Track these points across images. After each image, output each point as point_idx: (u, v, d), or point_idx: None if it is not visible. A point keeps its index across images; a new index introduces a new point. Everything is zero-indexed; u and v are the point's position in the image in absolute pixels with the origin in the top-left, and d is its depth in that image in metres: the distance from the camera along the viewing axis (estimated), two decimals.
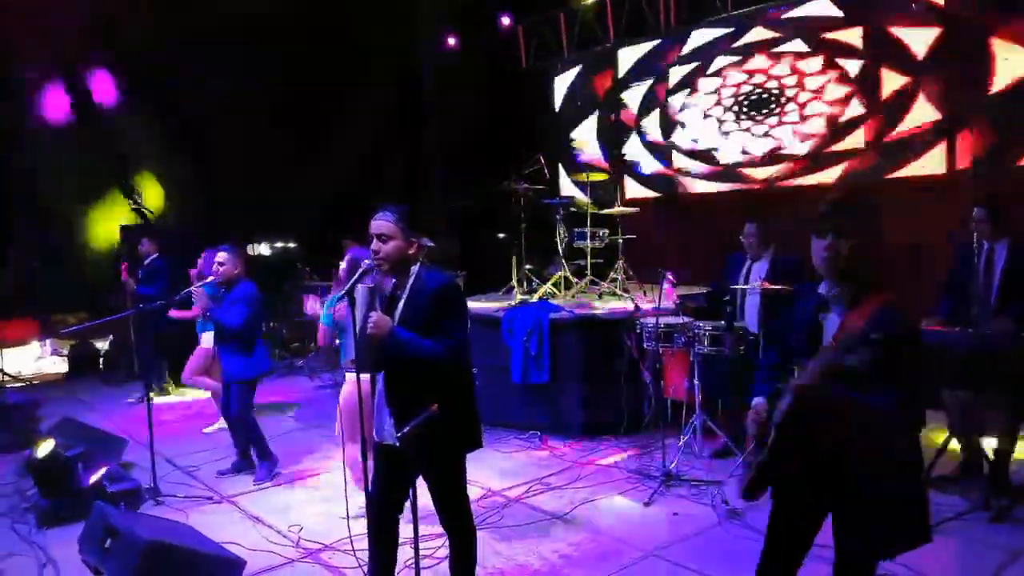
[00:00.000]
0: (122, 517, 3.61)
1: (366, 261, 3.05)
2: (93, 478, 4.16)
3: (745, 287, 5.15)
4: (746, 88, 8.51)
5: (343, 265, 4.47)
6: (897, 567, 3.55)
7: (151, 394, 5.68)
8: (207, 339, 6.39)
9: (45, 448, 4.61)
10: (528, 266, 7.31)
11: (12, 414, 6.19)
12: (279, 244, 12.83)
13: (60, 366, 10.46)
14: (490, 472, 5.18)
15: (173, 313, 6.40)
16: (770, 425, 2.33)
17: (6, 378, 8.43)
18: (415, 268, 3.07)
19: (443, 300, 3.02)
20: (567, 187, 10.40)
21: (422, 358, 2.94)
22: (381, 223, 3.04)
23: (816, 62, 7.81)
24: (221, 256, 5.21)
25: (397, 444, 2.95)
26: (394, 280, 3.11)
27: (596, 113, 10.32)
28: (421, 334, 2.96)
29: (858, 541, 2.33)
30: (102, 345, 10.36)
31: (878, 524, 2.30)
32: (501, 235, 10.80)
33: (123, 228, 9.91)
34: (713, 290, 5.62)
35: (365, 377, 3.11)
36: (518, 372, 6.05)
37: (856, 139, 7.51)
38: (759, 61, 8.37)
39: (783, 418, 2.26)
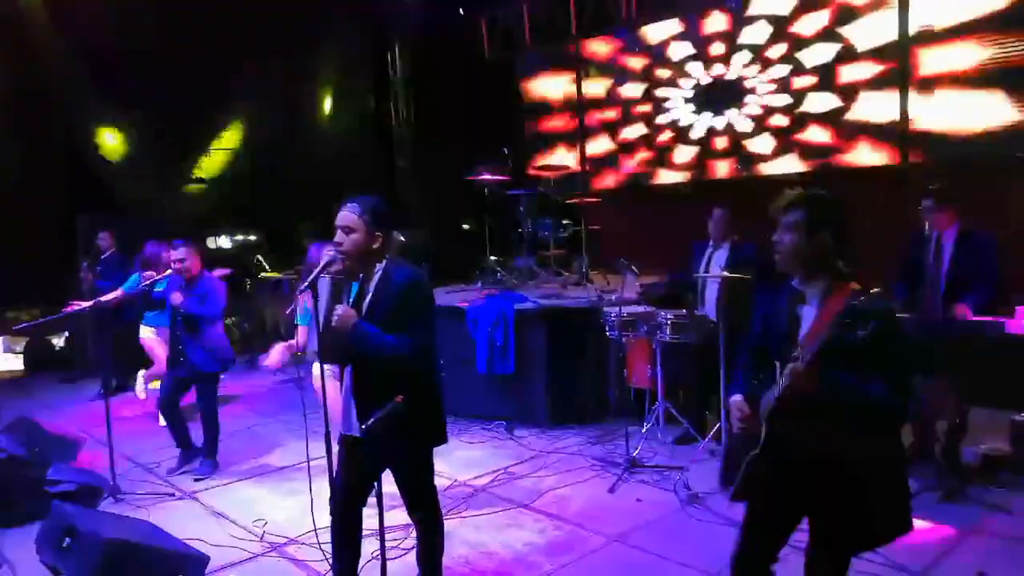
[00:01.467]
0: (81, 516, 3.55)
1: (330, 252, 3.03)
2: (53, 488, 4.07)
3: (706, 276, 5.22)
4: (707, 80, 8.61)
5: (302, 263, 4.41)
6: None
7: (108, 390, 5.59)
8: (146, 332, 6.41)
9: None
10: (492, 257, 7.32)
11: None
12: (239, 237, 12.66)
13: (14, 363, 10.19)
14: (456, 462, 5.19)
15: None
16: (758, 420, 2.35)
17: None
18: (382, 263, 3.05)
19: (408, 295, 3.00)
20: (531, 178, 10.41)
21: (384, 353, 2.93)
22: (345, 215, 3.01)
23: (776, 51, 7.92)
24: (180, 252, 5.13)
25: (361, 435, 2.94)
26: (362, 274, 3.09)
27: (559, 104, 10.34)
28: (386, 329, 2.94)
29: (843, 534, 2.34)
30: (58, 342, 10.12)
31: (865, 517, 2.31)
32: (466, 226, 10.81)
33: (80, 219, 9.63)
34: (673, 279, 5.70)
35: (328, 368, 3.10)
36: (483, 363, 6.07)
37: (816, 130, 7.66)
38: (719, 51, 8.46)
39: (776, 407, 2.28)
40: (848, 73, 7.34)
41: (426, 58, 11.22)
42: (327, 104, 11.68)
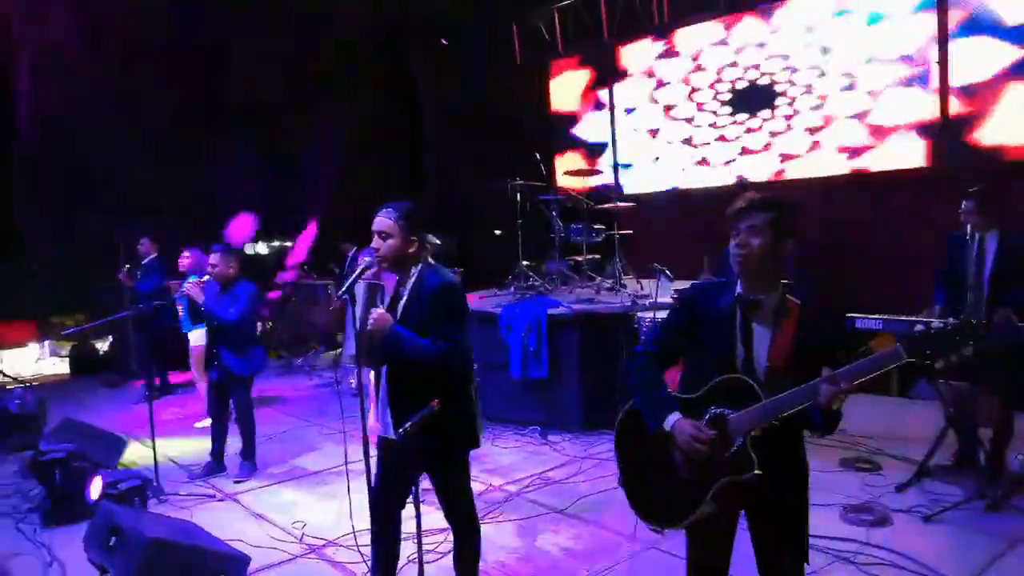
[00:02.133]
0: (127, 515, 3.63)
1: (366, 258, 3.08)
2: (95, 489, 4.18)
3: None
4: (741, 84, 8.54)
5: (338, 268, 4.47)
6: (896, 556, 3.61)
7: (152, 393, 5.72)
8: (196, 337, 6.48)
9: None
10: (525, 262, 7.33)
11: (14, 415, 6.20)
12: (276, 243, 12.87)
13: (60, 367, 10.48)
14: (490, 467, 5.20)
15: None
16: (730, 450, 2.22)
17: (6, 379, 8.45)
18: (417, 266, 3.09)
19: (442, 300, 3.03)
20: (563, 183, 10.41)
21: (418, 357, 2.97)
22: (381, 220, 3.06)
23: (810, 55, 7.84)
24: (213, 258, 5.25)
25: (397, 439, 2.98)
26: (397, 278, 3.13)
27: (591, 109, 10.34)
28: (421, 332, 2.98)
29: (789, 555, 2.34)
30: (101, 346, 10.38)
31: (799, 536, 2.34)
32: (497, 231, 10.82)
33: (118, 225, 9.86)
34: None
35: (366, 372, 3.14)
36: (517, 368, 6.09)
37: (850, 133, 7.55)
38: (752, 55, 8.39)
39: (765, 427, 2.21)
40: (882, 74, 7.23)
41: (456, 62, 11.28)
42: (357, 109, 11.78)
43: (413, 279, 3.09)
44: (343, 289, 3.09)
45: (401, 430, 2.89)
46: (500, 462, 5.36)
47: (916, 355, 2.07)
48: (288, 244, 12.84)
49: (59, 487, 4.44)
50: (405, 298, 3.09)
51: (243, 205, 9.74)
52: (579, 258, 7.34)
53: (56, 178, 9.90)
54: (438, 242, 3.58)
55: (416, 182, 11.76)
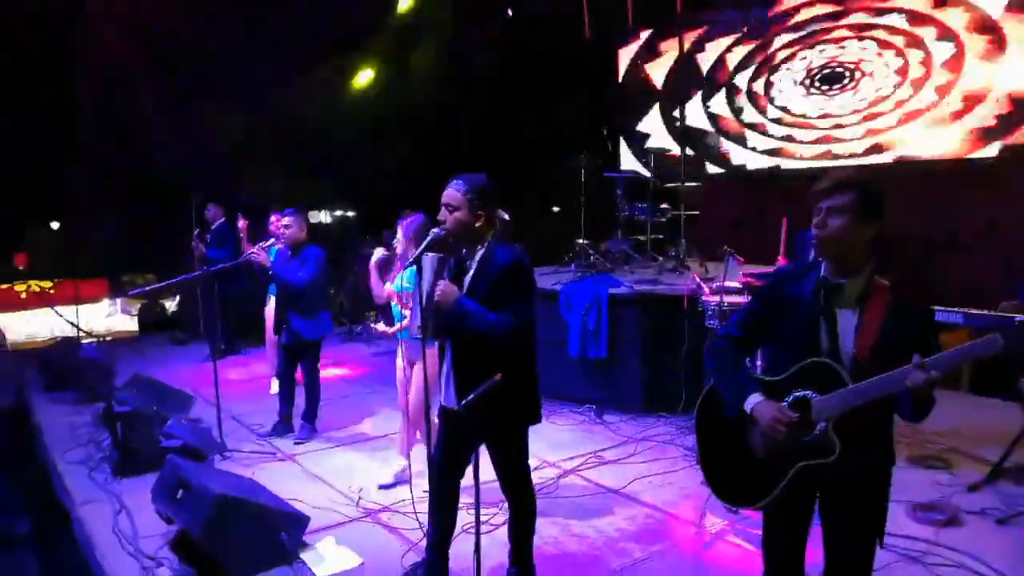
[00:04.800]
0: (194, 470, 3.74)
1: (434, 230, 3.06)
2: (168, 442, 4.32)
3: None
4: (817, 63, 8.21)
5: (399, 235, 4.41)
6: (966, 558, 3.47)
7: (217, 353, 5.88)
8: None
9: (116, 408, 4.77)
10: (583, 240, 7.23)
11: (88, 368, 6.46)
12: (338, 212, 13.06)
13: (130, 324, 10.90)
14: (546, 444, 5.19)
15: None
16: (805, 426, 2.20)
17: (81, 334, 8.82)
18: (486, 240, 3.06)
19: (510, 276, 3.00)
20: (628, 160, 10.24)
21: (484, 331, 2.95)
22: (450, 192, 3.04)
23: (892, 37, 7.47)
24: (287, 220, 5.32)
25: (459, 410, 2.98)
26: (464, 250, 3.11)
27: (660, 86, 10.09)
28: (487, 307, 2.96)
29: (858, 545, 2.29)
30: (170, 305, 10.74)
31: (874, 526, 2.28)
32: (556, 208, 10.73)
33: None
34: (780, 270, 5.46)
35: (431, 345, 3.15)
36: (576, 346, 6.04)
37: (925, 119, 7.19)
38: (831, 35, 8.04)
39: (846, 413, 2.15)
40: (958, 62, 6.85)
41: (522, 37, 11.12)
42: (417, 82, 11.74)
43: (481, 253, 3.07)
44: (409, 260, 3.09)
45: (464, 401, 2.89)
46: (555, 439, 5.35)
47: (1015, 349, 1.97)
48: (350, 214, 13.03)
49: (129, 439, 4.61)
50: (472, 272, 3.08)
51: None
52: (642, 237, 7.22)
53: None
54: (507, 218, 3.52)
55: (469, 154, 11.65)
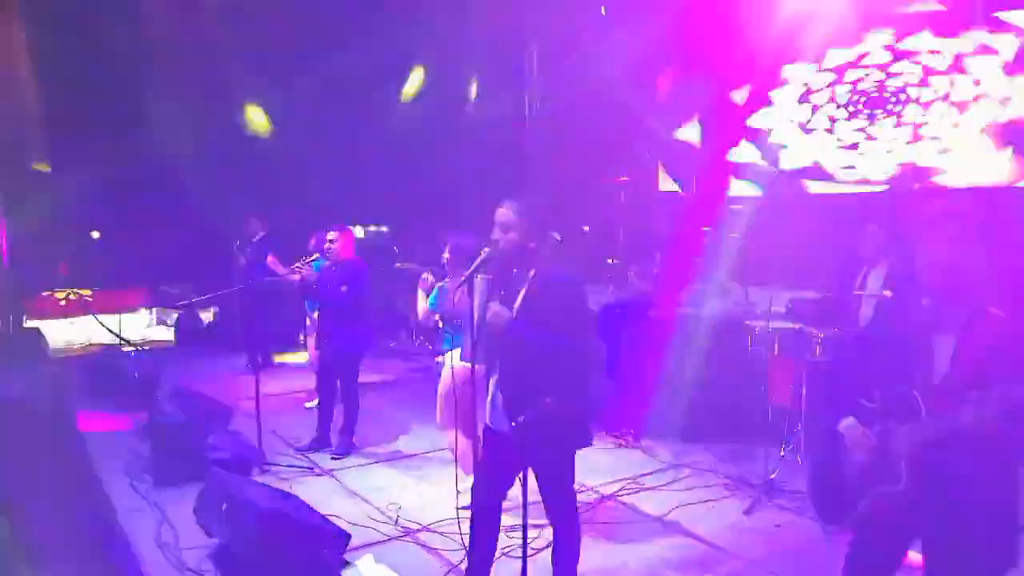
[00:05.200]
0: (238, 484, 3.76)
1: (486, 249, 3.05)
2: (215, 454, 4.35)
3: (862, 293, 4.91)
4: (863, 85, 8.11)
5: (447, 254, 4.45)
6: None
7: (256, 365, 5.92)
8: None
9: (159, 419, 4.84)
10: (611, 259, 7.18)
11: (130, 377, 6.54)
12: (372, 228, 13.15)
13: (166, 334, 11.03)
14: (583, 467, 4.98)
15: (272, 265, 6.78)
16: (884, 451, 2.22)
17: (121, 342, 8.95)
18: (539, 262, 3.04)
19: (564, 297, 2.99)
20: (665, 181, 10.16)
21: (535, 353, 2.92)
22: (504, 212, 3.03)
23: (943, 60, 7.36)
24: (332, 235, 5.36)
25: (508, 432, 2.95)
26: (516, 271, 3.10)
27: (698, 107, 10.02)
28: (539, 328, 2.93)
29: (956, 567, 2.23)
30: (205, 316, 10.87)
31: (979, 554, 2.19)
32: (586, 227, 10.66)
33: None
34: (830, 295, 5.38)
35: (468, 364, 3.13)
36: (613, 368, 5.98)
37: (980, 142, 7.05)
38: (878, 56, 7.95)
39: (921, 449, 2.13)
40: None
41: (557, 53, 11.14)
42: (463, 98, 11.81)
43: (534, 274, 3.05)
44: (461, 280, 3.08)
45: (515, 423, 2.87)
46: (593, 462, 5.26)
47: None
48: (384, 229, 13.12)
49: (177, 450, 4.64)
50: (524, 293, 3.05)
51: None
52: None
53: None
54: (559, 238, 3.51)
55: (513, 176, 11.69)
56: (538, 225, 3.04)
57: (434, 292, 4.57)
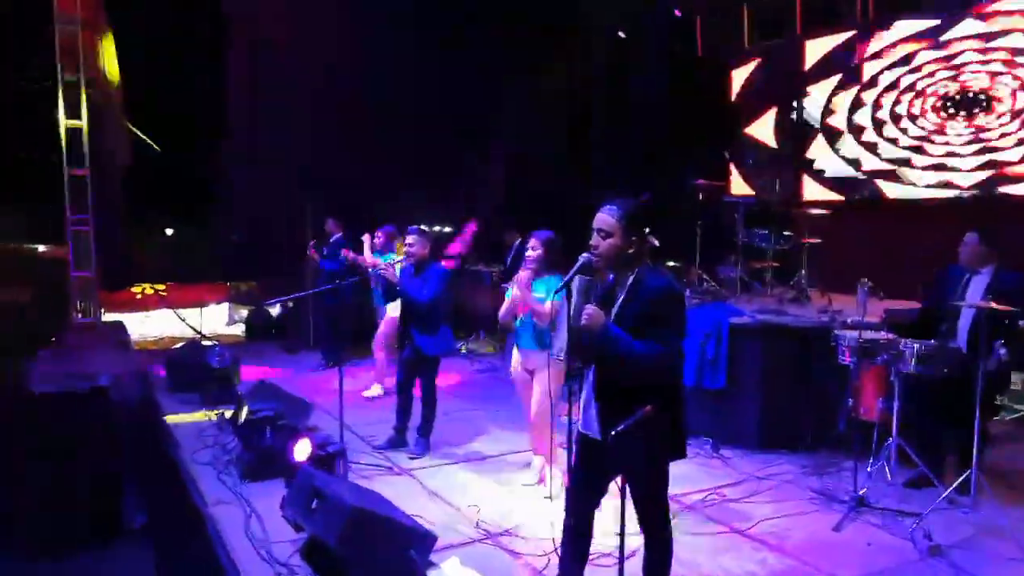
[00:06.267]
0: (326, 481, 3.80)
1: (584, 255, 3.02)
2: (301, 451, 4.41)
3: (962, 304, 4.69)
4: (952, 86, 7.80)
5: (538, 250, 4.42)
6: None
7: (332, 364, 6.00)
8: (392, 308, 6.61)
9: (244, 413, 4.98)
10: (697, 266, 7.06)
11: (215, 370, 6.71)
12: (436, 228, 13.23)
13: (237, 329, 11.31)
14: None
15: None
16: None
17: (199, 336, 9.22)
18: (637, 267, 2.99)
19: (661, 304, 2.93)
20: (739, 184, 9.96)
21: (631, 359, 2.87)
22: (603, 217, 2.99)
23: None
24: (411, 238, 5.41)
25: (602, 439, 2.92)
26: (613, 276, 3.06)
27: (775, 108, 9.80)
28: (635, 335, 2.89)
29: None
30: (275, 312, 11.08)
31: None
32: (647, 230, 10.51)
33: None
34: (928, 305, 5.15)
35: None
36: (692, 375, 5.86)
37: None
38: (969, 56, 7.63)
39: None
40: None
41: (631, 56, 11.04)
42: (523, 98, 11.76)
43: (631, 279, 3.00)
44: (561, 284, 3.05)
45: (613, 432, 2.82)
46: (672, 472, 5.16)
47: None
48: (448, 229, 13.19)
49: (263, 445, 4.74)
50: (622, 298, 3.01)
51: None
52: (759, 265, 6.99)
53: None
54: (656, 243, 3.45)
55: (583, 177, 11.63)
56: (638, 229, 2.99)
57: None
